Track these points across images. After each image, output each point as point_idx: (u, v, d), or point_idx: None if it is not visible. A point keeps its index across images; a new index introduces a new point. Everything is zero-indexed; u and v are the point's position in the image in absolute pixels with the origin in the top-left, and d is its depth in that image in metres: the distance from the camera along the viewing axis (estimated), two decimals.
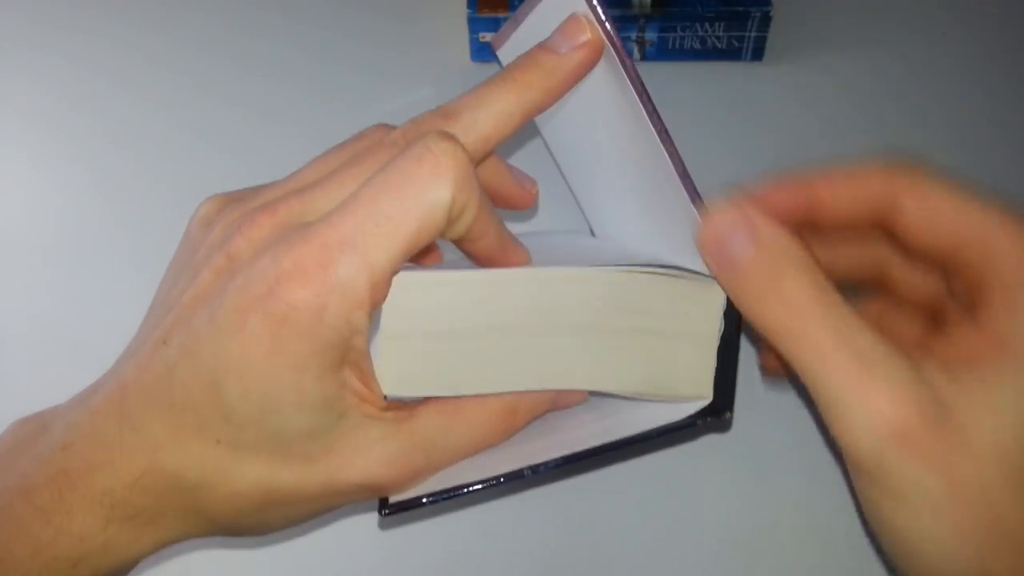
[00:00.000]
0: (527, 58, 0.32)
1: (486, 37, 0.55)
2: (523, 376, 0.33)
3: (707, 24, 0.56)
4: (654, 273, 0.32)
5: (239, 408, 0.28)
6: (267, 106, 0.55)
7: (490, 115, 0.31)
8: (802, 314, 0.24)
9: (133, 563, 0.32)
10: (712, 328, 0.33)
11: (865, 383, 0.22)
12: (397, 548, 0.41)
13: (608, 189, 0.38)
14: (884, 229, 0.28)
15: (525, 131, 0.34)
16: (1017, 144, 0.54)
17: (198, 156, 0.53)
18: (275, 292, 0.27)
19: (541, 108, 0.32)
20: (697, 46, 0.58)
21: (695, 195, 0.30)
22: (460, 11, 0.54)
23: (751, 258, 0.26)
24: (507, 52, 0.37)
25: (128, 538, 0.30)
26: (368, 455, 0.31)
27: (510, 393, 0.33)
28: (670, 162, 0.30)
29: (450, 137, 0.28)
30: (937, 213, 0.25)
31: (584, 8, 0.32)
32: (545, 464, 0.33)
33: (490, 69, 0.59)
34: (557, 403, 0.35)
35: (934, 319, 0.28)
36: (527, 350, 0.32)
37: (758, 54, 0.58)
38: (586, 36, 0.31)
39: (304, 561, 0.41)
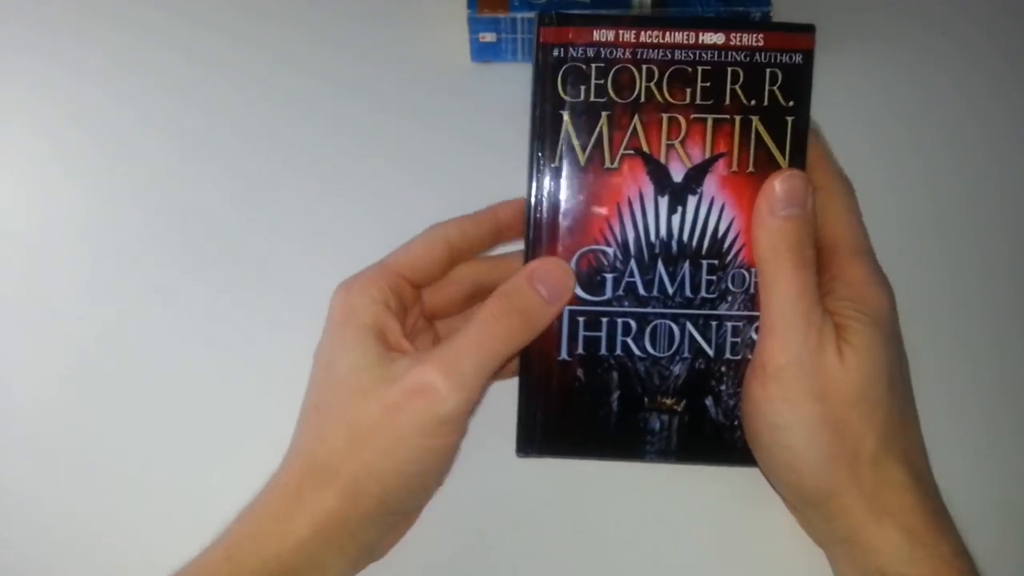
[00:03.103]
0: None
1: (486, 37, 0.55)
2: None
3: None
4: None
5: None
6: (269, 107, 0.55)
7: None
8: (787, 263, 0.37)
9: None
10: None
11: (810, 323, 0.35)
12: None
13: None
14: None
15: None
16: (1019, 142, 0.54)
17: (194, 161, 0.53)
18: None
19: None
20: None
21: None
22: (460, 11, 0.54)
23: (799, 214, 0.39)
24: None
25: None
26: None
27: None
28: None
29: None
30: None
31: None
32: None
33: (490, 69, 0.59)
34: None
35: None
36: None
37: None
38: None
39: None
